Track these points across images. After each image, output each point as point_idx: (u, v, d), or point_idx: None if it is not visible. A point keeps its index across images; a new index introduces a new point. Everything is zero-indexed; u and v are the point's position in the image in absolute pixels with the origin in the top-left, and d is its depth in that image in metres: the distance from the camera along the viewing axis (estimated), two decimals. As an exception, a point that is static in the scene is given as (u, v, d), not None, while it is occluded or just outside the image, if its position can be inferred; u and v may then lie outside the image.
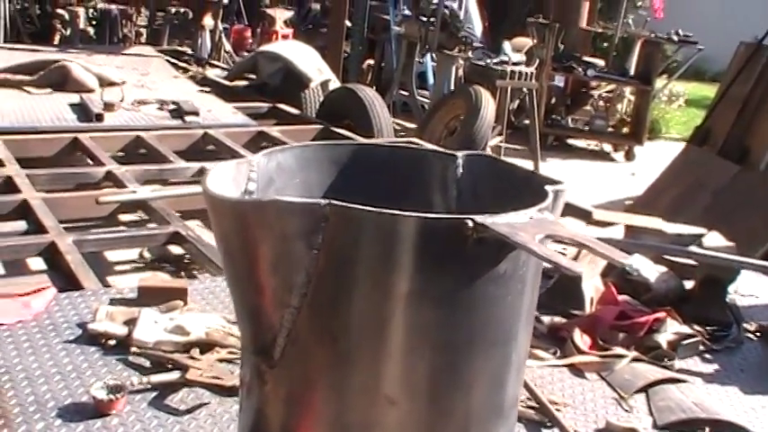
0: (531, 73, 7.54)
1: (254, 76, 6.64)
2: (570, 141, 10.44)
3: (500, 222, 1.17)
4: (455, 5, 8.05)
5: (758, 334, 2.77)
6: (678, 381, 2.35)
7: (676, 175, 6.16)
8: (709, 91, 16.17)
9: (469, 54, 7.80)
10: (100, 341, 2.16)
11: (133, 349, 2.11)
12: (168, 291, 2.42)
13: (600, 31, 11.45)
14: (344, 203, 1.17)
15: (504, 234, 1.13)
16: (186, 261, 3.59)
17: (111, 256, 3.63)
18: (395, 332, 1.24)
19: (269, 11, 11.10)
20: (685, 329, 2.62)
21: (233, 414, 1.90)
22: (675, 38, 9.59)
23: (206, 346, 2.14)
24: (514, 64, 7.49)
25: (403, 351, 1.24)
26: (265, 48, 6.34)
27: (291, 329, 1.24)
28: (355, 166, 1.62)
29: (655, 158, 9.82)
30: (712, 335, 2.67)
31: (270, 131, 5.07)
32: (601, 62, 10.24)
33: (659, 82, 10.15)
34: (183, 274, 3.51)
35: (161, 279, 2.55)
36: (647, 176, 8.27)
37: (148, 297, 2.40)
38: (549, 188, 1.40)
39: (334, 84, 6.37)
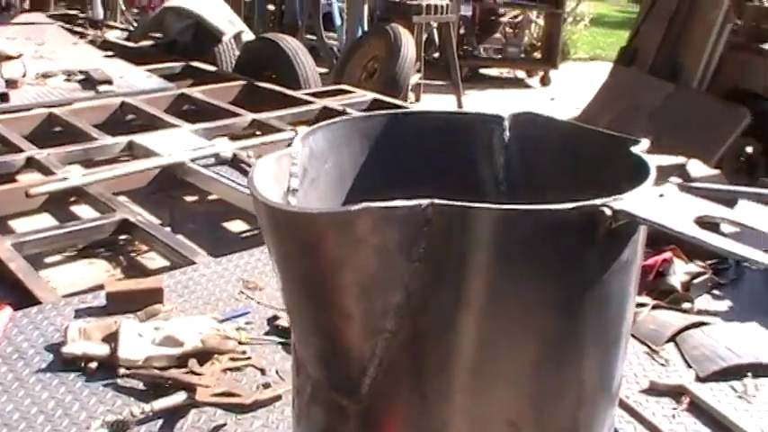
0: (447, 5, 7.30)
1: (160, 35, 6.19)
2: (483, 71, 10.30)
3: (637, 206, 0.96)
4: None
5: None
6: (702, 324, 2.23)
7: (608, 99, 6.06)
8: (606, 9, 16.32)
9: (380, -10, 7.49)
10: (79, 366, 1.86)
11: (121, 371, 1.82)
12: (141, 293, 2.14)
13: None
14: (449, 202, 0.93)
15: (658, 222, 0.91)
16: (121, 243, 3.28)
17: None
18: (516, 348, 1.02)
19: (158, -37, 10.45)
20: (693, 268, 2.50)
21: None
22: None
23: (204, 355, 1.88)
24: (429, -3, 7.23)
25: (527, 369, 1.02)
26: (171, 3, 5.89)
27: (384, 358, 1.01)
28: (387, 139, 1.38)
29: (569, 81, 9.79)
30: (716, 269, 2.56)
31: (191, 93, 4.71)
32: (507, -12, 10.06)
33: (569, 4, 10.06)
34: (122, 258, 3.20)
35: (131, 281, 2.26)
36: (567, 100, 8.22)
37: (120, 303, 2.12)
38: (637, 151, 1.20)
39: (248, 35, 5.99)
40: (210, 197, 3.59)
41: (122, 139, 3.74)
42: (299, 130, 3.84)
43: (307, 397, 1.17)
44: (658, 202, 1.00)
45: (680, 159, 3.03)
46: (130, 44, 6.27)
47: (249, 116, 4.21)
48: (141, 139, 3.71)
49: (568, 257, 0.99)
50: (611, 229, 0.97)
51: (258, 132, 4.13)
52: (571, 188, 1.06)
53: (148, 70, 5.13)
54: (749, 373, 2.00)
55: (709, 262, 2.57)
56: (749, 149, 5.58)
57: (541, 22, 10.32)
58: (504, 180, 1.43)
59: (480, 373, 1.01)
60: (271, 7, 9.68)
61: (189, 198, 3.65)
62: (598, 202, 0.96)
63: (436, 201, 0.93)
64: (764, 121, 5.41)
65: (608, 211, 0.95)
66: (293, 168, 1.15)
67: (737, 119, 5.11)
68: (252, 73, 5.21)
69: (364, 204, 0.90)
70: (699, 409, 1.85)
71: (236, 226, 3.46)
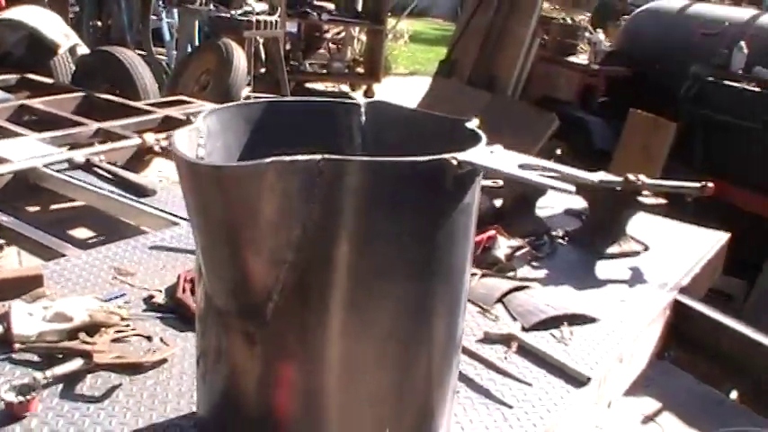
0: (276, 21, 7.58)
1: (-9, 47, 6.12)
2: (309, 85, 10.64)
3: (476, 157, 1.28)
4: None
5: (566, 238, 3.12)
6: (524, 288, 2.62)
7: (431, 108, 6.49)
8: (423, 26, 17.12)
9: (211, 7, 7.67)
10: (-27, 345, 2.00)
11: (17, 346, 1.97)
12: (23, 280, 2.27)
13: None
14: (337, 156, 1.22)
15: (492, 167, 1.23)
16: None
17: None
18: (384, 273, 1.32)
19: (-25, -26, 10.11)
20: (514, 243, 2.89)
21: (149, 390, 1.87)
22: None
23: (92, 328, 2.06)
24: (257, 14, 7.49)
25: (391, 291, 1.33)
26: (4, 15, 5.85)
27: (285, 286, 1.28)
28: (268, 122, 1.65)
29: (391, 94, 10.28)
30: (533, 244, 2.97)
31: (32, 104, 4.73)
32: (331, 5, 10.46)
33: (389, 21, 10.58)
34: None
35: (11, 269, 2.38)
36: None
37: (1, 290, 2.24)
38: (470, 126, 1.53)
39: (83, 48, 6.03)
40: (54, 206, 3.69)
41: (-36, 149, 3.75)
42: (146, 137, 4.03)
43: (215, 329, 1.42)
44: (491, 155, 1.32)
45: (499, 147, 3.46)
46: (-41, 58, 6.16)
47: (94, 125, 4.31)
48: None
49: (424, 201, 1.30)
50: (457, 175, 1.28)
51: (102, 140, 4.23)
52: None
53: (-18, 83, 5.11)
54: (565, 323, 2.39)
55: (528, 239, 2.98)
56: (558, 151, 6.21)
57: (364, 38, 10.78)
58: (362, 153, 1.72)
59: (351, 304, 1.30)
60: (98, 23, 9.60)
61: (38, 204, 3.73)
62: (447, 155, 1.27)
63: (326, 155, 1.21)
64: (569, 126, 6.04)
65: (454, 162, 1.27)
66: (200, 140, 1.40)
67: (547, 123, 5.70)
68: (89, 85, 5.29)
69: (273, 158, 1.18)
70: (525, 351, 2.21)
71: (83, 229, 3.59)
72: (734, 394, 2.77)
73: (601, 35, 7.00)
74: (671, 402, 3.49)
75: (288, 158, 1.19)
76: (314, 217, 1.23)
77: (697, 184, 2.95)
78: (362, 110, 1.72)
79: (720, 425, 2.70)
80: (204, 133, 1.44)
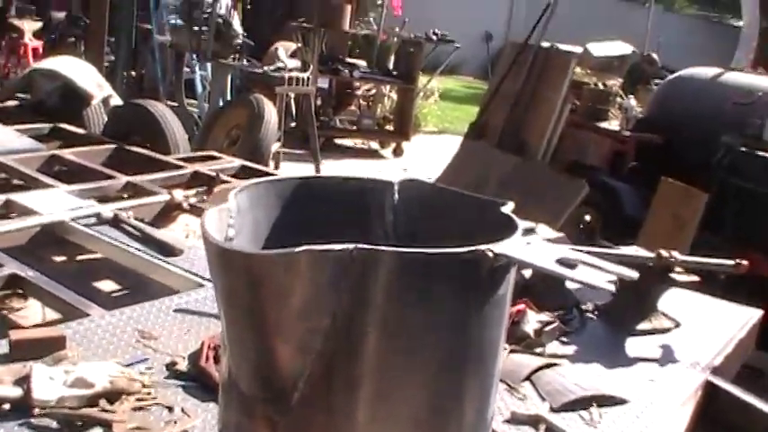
0: (308, 78, 7.65)
1: (26, 96, 6.21)
2: (338, 141, 10.71)
3: (512, 250, 1.25)
4: (224, 12, 7.96)
5: (596, 313, 3.06)
6: (553, 365, 2.56)
7: (458, 170, 6.53)
8: (453, 84, 17.25)
9: (244, 62, 7.77)
10: (-8, 408, 1.97)
11: (36, 411, 1.95)
12: (45, 341, 2.25)
13: (365, 33, 11.80)
14: (369, 246, 1.19)
15: (530, 262, 1.20)
16: None
17: None
18: (413, 363, 1.28)
19: (16, 22, 10.34)
20: (543, 317, 2.84)
21: (168, 463, 1.84)
22: (434, 37, 10.11)
23: (113, 395, 2.03)
24: (290, 70, 7.57)
25: (420, 393, 1.29)
26: (40, 65, 5.96)
27: (312, 374, 1.24)
28: (298, 199, 1.63)
29: (420, 152, 10.34)
30: (562, 319, 2.92)
31: (63, 154, 4.78)
32: (363, 63, 10.57)
33: (420, 79, 10.66)
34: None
35: (35, 330, 2.37)
36: (419, 170, 8.70)
37: (23, 351, 2.21)
38: (505, 210, 1.50)
39: (116, 100, 6.11)
40: (80, 257, 3.69)
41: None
42: (174, 193, 4.04)
43: (237, 409, 1.38)
44: (527, 247, 1.29)
45: (530, 224, 3.43)
46: (-6, 104, 6.26)
47: (123, 178, 4.34)
48: (18, 197, 3.77)
49: (457, 292, 1.27)
50: (492, 268, 1.25)
51: (131, 194, 4.25)
52: (449, 241, 1.34)
53: (17, 130, 5.16)
54: (594, 404, 2.33)
55: (557, 313, 2.93)
56: (587, 218, 6.16)
57: (394, 95, 10.86)
58: (393, 235, 1.70)
59: (379, 393, 1.26)
60: (132, 73, 9.77)
61: (64, 257, 3.74)
62: (483, 246, 1.24)
63: (359, 245, 1.19)
64: (599, 192, 6.00)
65: (490, 254, 1.24)
66: (230, 221, 1.38)
67: (577, 190, 5.67)
68: (120, 137, 5.33)
69: (305, 247, 1.15)
70: (553, 434, 2.16)
71: (108, 285, 3.59)
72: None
73: (632, 101, 6.99)
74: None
75: (320, 247, 1.16)
76: (344, 306, 1.20)
77: (731, 262, 2.90)
78: (395, 188, 1.70)
79: None
80: (234, 212, 1.43)
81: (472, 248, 1.23)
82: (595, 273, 1.27)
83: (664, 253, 2.88)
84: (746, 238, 5.17)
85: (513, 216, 1.47)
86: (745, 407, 2.66)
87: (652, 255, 2.92)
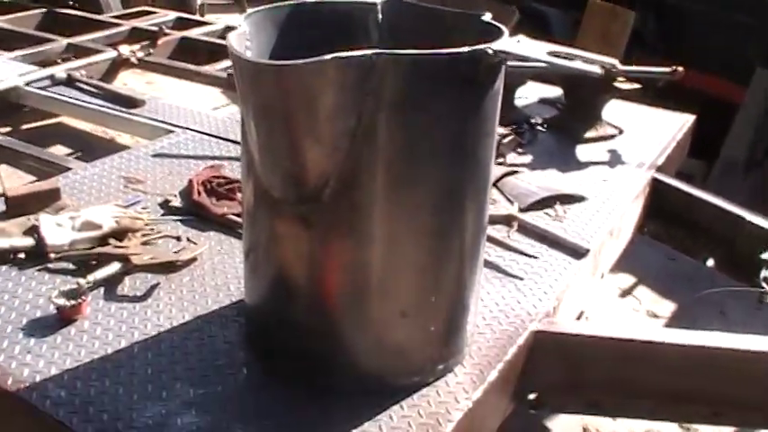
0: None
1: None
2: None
3: (508, 46, 1.40)
4: None
5: (545, 126, 3.26)
6: (515, 172, 2.77)
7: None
8: None
9: None
10: (8, 259, 2.07)
11: (52, 256, 2.07)
12: (41, 194, 2.35)
13: None
14: (388, 51, 1.32)
15: (526, 55, 1.35)
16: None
17: None
18: (423, 158, 1.45)
19: None
20: (500, 131, 3.03)
21: (187, 286, 1.99)
22: None
23: (120, 234, 2.16)
24: None
25: (429, 173, 1.46)
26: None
27: (341, 171, 1.40)
28: (293, 24, 1.73)
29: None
30: (517, 132, 3.11)
31: (-9, 22, 4.68)
32: None
33: None
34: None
35: (29, 185, 2.45)
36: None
37: (20, 207, 2.30)
38: (486, 19, 1.64)
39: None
40: (41, 122, 3.72)
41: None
42: (121, 49, 4.04)
43: (267, 220, 1.54)
44: (519, 44, 1.44)
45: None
46: None
47: (64, 41, 4.30)
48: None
49: (460, 89, 1.42)
50: (490, 65, 1.40)
51: (75, 55, 4.22)
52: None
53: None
54: (557, 202, 2.56)
55: (510, 128, 3.12)
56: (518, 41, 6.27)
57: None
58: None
59: (397, 182, 1.43)
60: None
61: (26, 123, 3.76)
62: (483, 46, 1.39)
63: (380, 51, 1.32)
64: (529, 18, 6.11)
65: (490, 51, 1.38)
66: (247, 43, 1.49)
67: (508, 16, 5.71)
68: (49, 1, 5.21)
69: (333, 54, 1.28)
70: (526, 230, 2.38)
71: (77, 143, 3.65)
72: (710, 263, 2.98)
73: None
74: (648, 275, 3.72)
75: (346, 54, 1.29)
76: (367, 107, 1.34)
77: (668, 69, 3.08)
78: (379, 8, 1.81)
79: (698, 292, 2.92)
80: (249, 35, 1.53)
81: (474, 48, 1.37)
82: (581, 63, 1.43)
83: (606, 63, 3.05)
84: (673, 52, 5.37)
85: (496, 23, 1.60)
86: (688, 197, 2.91)
87: (597, 68, 3.10)
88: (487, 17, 1.66)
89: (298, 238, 1.50)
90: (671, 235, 3.05)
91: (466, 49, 1.37)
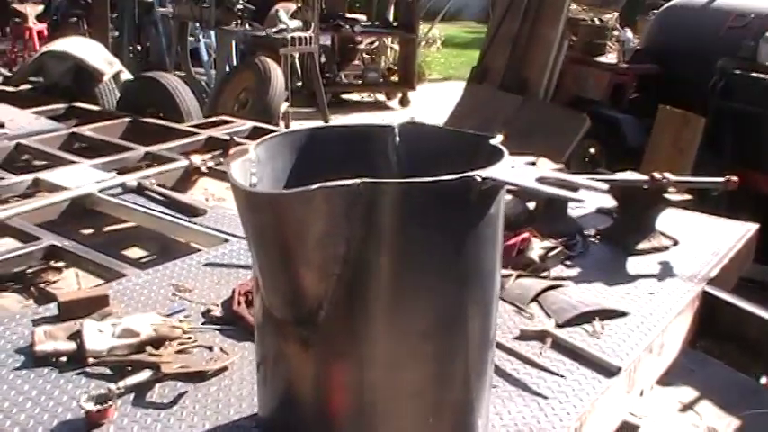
0: (310, 36, 7.79)
1: (39, 79, 6.40)
2: (345, 97, 10.84)
3: (497, 173, 1.44)
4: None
5: (598, 237, 3.25)
6: (558, 286, 2.76)
7: (464, 114, 6.69)
8: (455, 30, 17.26)
9: (246, 27, 7.90)
10: (50, 361, 2.18)
11: (90, 360, 2.17)
12: (91, 300, 2.47)
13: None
14: (373, 180, 1.39)
15: (512, 182, 1.39)
16: (29, 275, 3.55)
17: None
18: (420, 280, 1.48)
19: (19, 7, 10.51)
20: (547, 244, 3.03)
21: (213, 395, 2.05)
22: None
23: (157, 341, 2.24)
24: (292, 30, 7.70)
25: (427, 295, 1.50)
26: (49, 47, 6.13)
27: (333, 295, 1.45)
28: (311, 148, 1.82)
29: (426, 100, 10.46)
30: (566, 244, 3.11)
31: (82, 131, 4.99)
32: (363, 17, 10.66)
33: (421, 28, 10.75)
34: (33, 289, 3.48)
35: (80, 291, 2.59)
36: (426, 118, 8.85)
37: (71, 311, 2.42)
38: (494, 143, 1.69)
39: (125, 74, 6.29)
40: (110, 227, 3.91)
41: (27, 177, 3.99)
42: (192, 158, 4.24)
43: (273, 337, 1.59)
44: (511, 170, 1.48)
45: (530, 158, 3.60)
46: (10, 89, 6.44)
47: (142, 149, 4.54)
48: (45, 175, 3.99)
49: (452, 214, 1.46)
50: (481, 191, 1.44)
51: (151, 163, 4.45)
52: (449, 172, 1.52)
53: (34, 113, 5.37)
54: (596, 317, 2.53)
55: (561, 239, 3.12)
56: (592, 150, 6.32)
57: (396, 47, 10.96)
58: (397, 172, 1.88)
59: (392, 308, 1.47)
60: (137, 47, 9.92)
61: (95, 228, 3.96)
62: (471, 173, 1.43)
63: (364, 180, 1.38)
64: (601, 125, 6.15)
65: (478, 178, 1.43)
66: (252, 169, 1.58)
67: (579, 124, 5.82)
68: (134, 110, 5.53)
69: (319, 184, 1.35)
70: (559, 346, 2.36)
71: (139, 249, 3.81)
72: (763, 380, 2.88)
73: (629, 33, 7.09)
74: (707, 390, 3.60)
75: (331, 184, 1.36)
76: (356, 233, 1.40)
77: (721, 179, 3.06)
78: (396, 131, 1.88)
79: (763, 408, 2.82)
80: (255, 162, 1.62)
81: (462, 175, 1.42)
82: (569, 188, 1.45)
83: (657, 175, 3.05)
84: (745, 158, 5.31)
85: (501, 146, 1.65)
86: (739, 312, 2.84)
87: (646, 177, 3.10)
88: (496, 140, 1.71)
89: (299, 357, 1.55)
90: (723, 351, 2.97)
91: (453, 177, 1.42)
